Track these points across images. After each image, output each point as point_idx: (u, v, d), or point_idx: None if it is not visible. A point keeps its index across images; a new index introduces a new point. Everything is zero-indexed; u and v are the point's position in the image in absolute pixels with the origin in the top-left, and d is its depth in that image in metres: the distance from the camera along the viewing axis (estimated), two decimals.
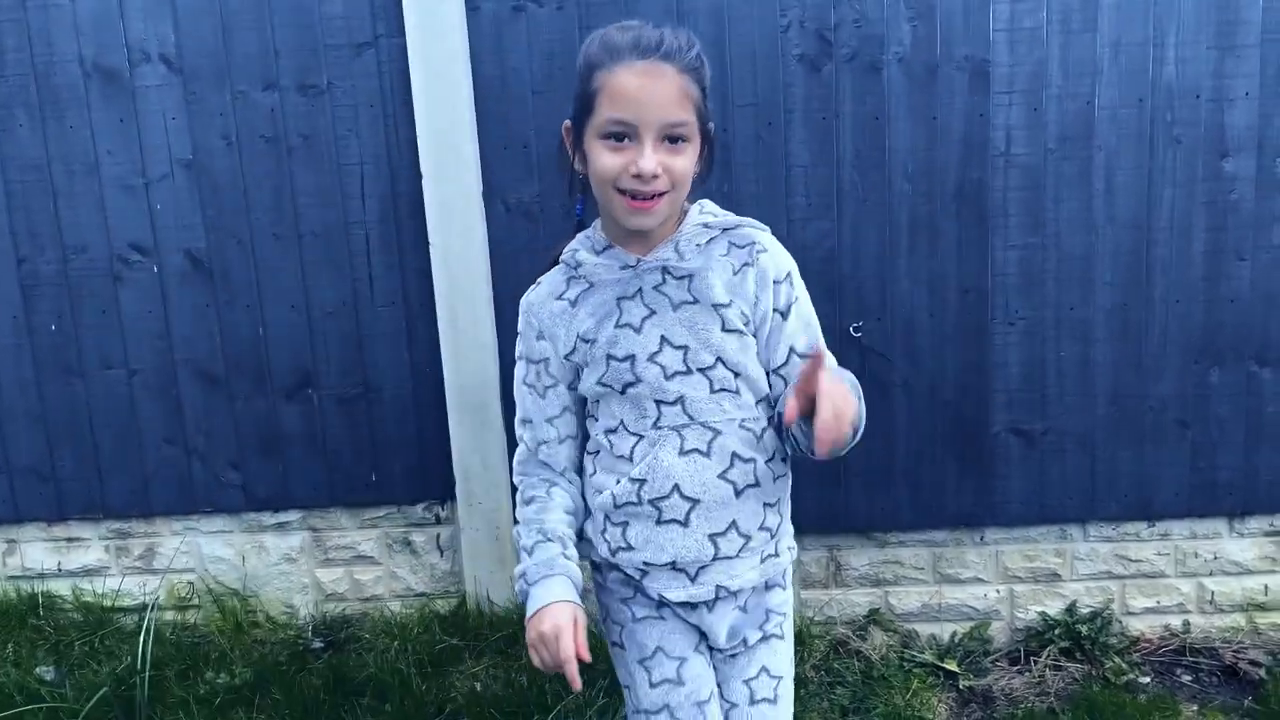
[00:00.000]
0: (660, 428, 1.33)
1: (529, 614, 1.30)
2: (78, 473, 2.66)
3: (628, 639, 1.43)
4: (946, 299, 2.42)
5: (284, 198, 2.50)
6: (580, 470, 1.44)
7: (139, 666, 2.37)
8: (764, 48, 2.33)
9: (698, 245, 1.33)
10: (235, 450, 2.63)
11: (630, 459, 1.34)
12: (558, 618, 1.26)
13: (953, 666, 2.47)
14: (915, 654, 2.53)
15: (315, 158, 2.48)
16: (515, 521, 1.42)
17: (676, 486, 1.32)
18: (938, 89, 2.33)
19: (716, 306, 1.31)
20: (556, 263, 1.42)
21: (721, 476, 1.33)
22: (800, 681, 2.35)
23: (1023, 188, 2.36)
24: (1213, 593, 2.56)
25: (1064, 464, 2.47)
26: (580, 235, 1.41)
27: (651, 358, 1.32)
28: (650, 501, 1.33)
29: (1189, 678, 2.45)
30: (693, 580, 1.36)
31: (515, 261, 2.44)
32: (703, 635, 1.41)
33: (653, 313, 1.33)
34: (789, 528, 1.45)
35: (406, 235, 2.50)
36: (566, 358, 1.38)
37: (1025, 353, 2.43)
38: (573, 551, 1.36)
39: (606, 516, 1.38)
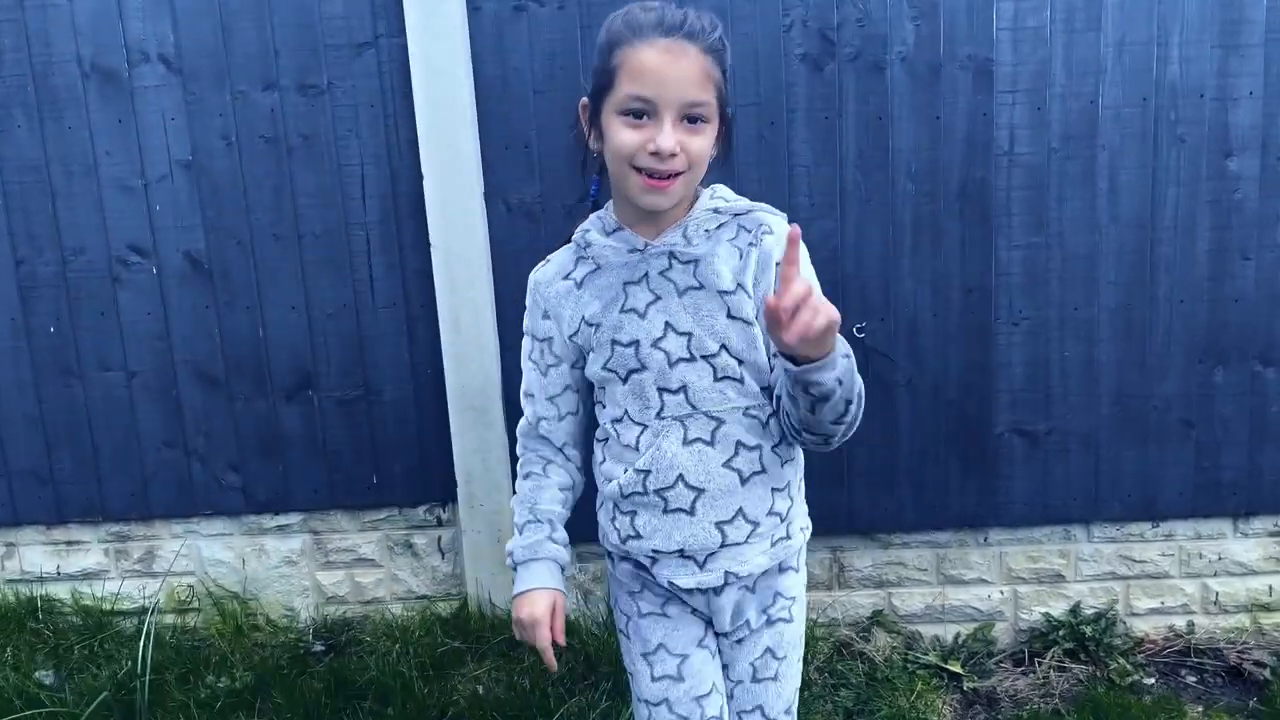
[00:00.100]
0: (664, 418, 1.33)
1: (514, 593, 1.40)
2: (77, 475, 2.65)
3: (633, 631, 1.46)
4: (950, 299, 2.41)
5: (284, 198, 2.48)
6: (580, 445, 1.47)
7: (139, 670, 2.36)
8: (766, 47, 2.32)
9: (706, 231, 1.33)
10: (235, 452, 2.61)
11: (636, 448, 1.35)
12: (534, 607, 1.36)
13: (957, 668, 2.46)
14: (919, 655, 2.52)
15: (315, 158, 2.46)
16: (513, 492, 1.49)
17: (681, 476, 1.32)
18: (941, 88, 2.33)
19: (722, 293, 1.31)
20: (569, 240, 1.42)
21: (726, 465, 1.32)
22: (804, 684, 2.33)
23: (1026, 187, 2.36)
24: (1217, 593, 2.55)
25: (1068, 464, 2.47)
26: (593, 215, 1.41)
27: (656, 343, 1.32)
28: (656, 491, 1.34)
29: (1193, 679, 2.44)
30: (701, 567, 1.36)
31: (517, 262, 2.42)
32: (709, 623, 1.43)
33: (658, 298, 1.32)
34: (802, 508, 1.44)
35: (407, 236, 2.49)
36: (570, 338, 1.38)
37: (1029, 352, 2.42)
38: (560, 534, 1.42)
39: (615, 505, 1.40)
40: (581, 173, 1.41)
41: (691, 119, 1.24)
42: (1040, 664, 2.48)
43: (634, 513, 1.37)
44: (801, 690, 1.52)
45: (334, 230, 2.49)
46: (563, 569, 1.41)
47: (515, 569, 1.41)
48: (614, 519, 1.41)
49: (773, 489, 1.36)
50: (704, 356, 1.31)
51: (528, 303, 1.44)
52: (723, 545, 1.34)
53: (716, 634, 1.45)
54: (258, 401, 2.58)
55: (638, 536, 1.38)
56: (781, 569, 1.42)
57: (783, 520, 1.38)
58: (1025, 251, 2.38)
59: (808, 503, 1.47)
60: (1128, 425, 2.44)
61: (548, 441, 1.46)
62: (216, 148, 2.47)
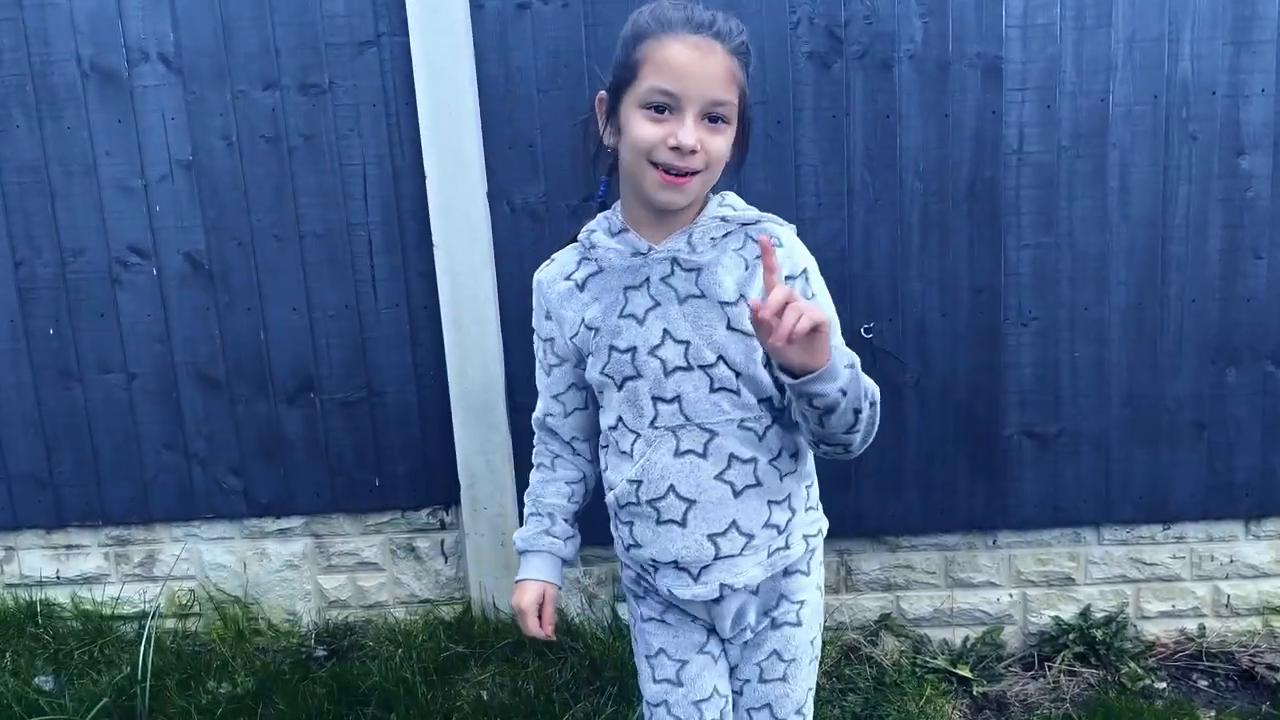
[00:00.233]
0: (657, 427, 1.31)
1: (515, 580, 1.48)
2: (76, 479, 2.63)
3: (638, 634, 1.48)
4: (959, 299, 2.39)
5: (285, 199, 2.46)
6: (592, 437, 1.48)
7: (139, 676, 2.34)
8: (773, 44, 2.30)
9: (712, 239, 1.30)
10: (236, 455, 2.59)
11: (631, 455, 1.34)
12: (522, 599, 1.43)
13: (966, 672, 2.44)
14: (927, 660, 2.49)
15: (317, 158, 2.44)
16: (518, 494, 1.54)
17: (672, 487, 1.31)
18: (950, 86, 2.30)
19: (723, 304, 1.28)
20: (575, 239, 1.41)
21: (718, 478, 1.31)
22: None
23: (1036, 186, 2.33)
24: (1229, 596, 2.52)
25: (1078, 466, 2.44)
26: (600, 215, 1.39)
27: (653, 351, 1.30)
28: (648, 502, 1.33)
29: (1205, 683, 2.42)
30: (696, 579, 1.34)
31: (520, 262, 2.40)
32: (711, 629, 1.43)
33: (657, 304, 1.31)
34: (808, 516, 1.41)
35: (410, 236, 2.47)
36: (571, 339, 1.38)
37: (1038, 353, 2.40)
38: (559, 527, 1.47)
39: (615, 514, 1.41)
40: (593, 166, 1.39)
41: (713, 118, 1.22)
42: (1050, 668, 2.46)
43: (631, 523, 1.37)
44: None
45: (336, 231, 2.47)
46: (565, 561, 1.47)
47: (518, 555, 1.49)
48: (615, 527, 1.42)
49: (770, 501, 1.33)
50: (701, 366, 1.29)
51: (533, 301, 1.44)
52: (716, 558, 1.33)
53: (721, 638, 1.44)
54: (259, 404, 2.56)
55: (637, 545, 1.38)
56: (787, 572, 1.40)
57: (780, 532, 1.36)
58: (1035, 251, 2.36)
59: None
60: (1139, 426, 2.42)
61: (556, 435, 1.48)
62: (217, 148, 2.45)
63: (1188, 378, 2.39)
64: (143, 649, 2.38)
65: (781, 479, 1.34)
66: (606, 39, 2.27)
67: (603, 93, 1.30)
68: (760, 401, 1.31)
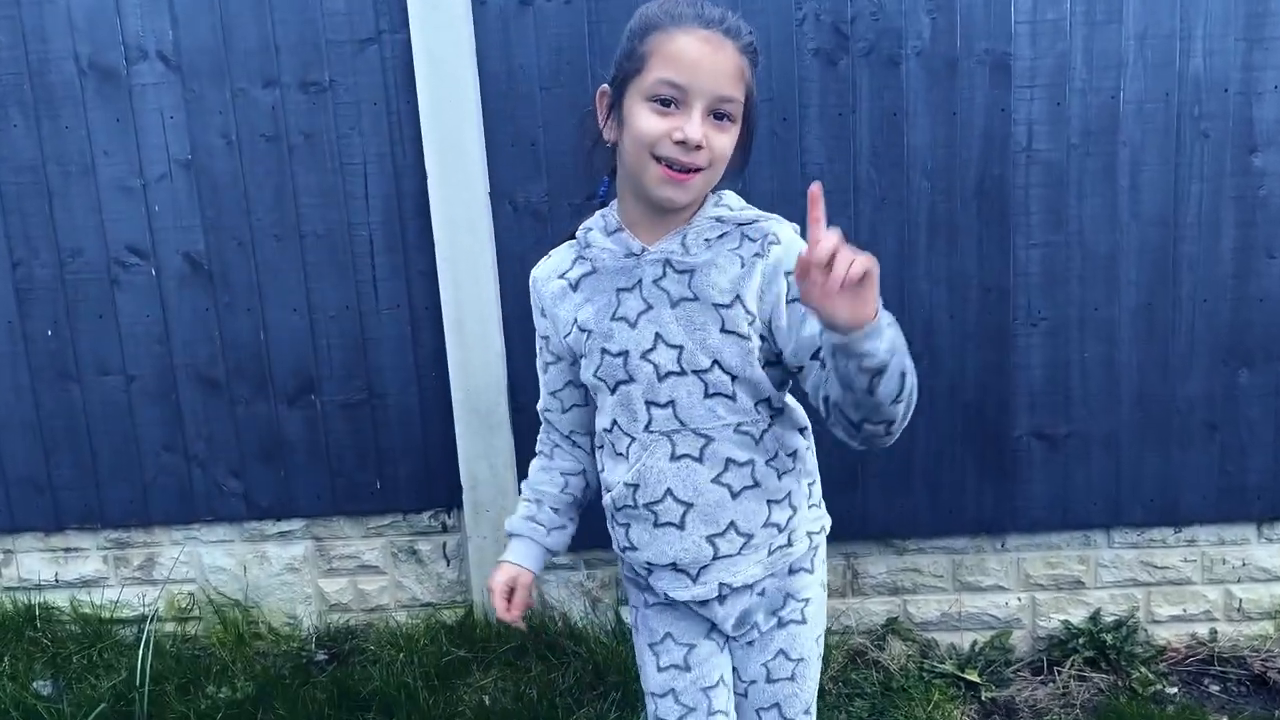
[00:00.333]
0: (651, 432, 1.29)
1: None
2: (75, 481, 2.60)
3: (641, 622, 1.45)
4: (967, 299, 2.36)
5: (285, 198, 2.44)
6: (592, 430, 1.45)
7: (138, 680, 2.32)
8: (779, 41, 2.27)
9: (706, 240, 1.27)
10: (236, 457, 2.57)
11: (626, 458, 1.32)
12: (494, 581, 1.44)
13: (974, 677, 2.41)
14: (935, 664, 2.47)
15: (317, 157, 2.42)
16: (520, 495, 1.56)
17: (669, 491, 1.30)
18: (957, 83, 2.27)
19: (717, 306, 1.25)
20: (573, 236, 1.39)
21: (715, 481, 1.29)
22: (818, 693, 2.29)
23: (1045, 184, 2.30)
24: (1240, 600, 2.49)
25: (1088, 468, 2.41)
26: (598, 213, 1.37)
27: (645, 355, 1.28)
28: (645, 505, 1.32)
29: (1217, 688, 2.39)
30: (694, 580, 1.33)
31: (523, 262, 2.35)
32: (714, 625, 1.41)
33: (650, 307, 1.28)
34: (810, 513, 1.39)
35: (411, 236, 2.44)
36: (564, 339, 1.36)
37: (1048, 354, 2.37)
38: (545, 515, 1.47)
39: (612, 516, 1.39)
40: (589, 160, 1.35)
41: (719, 115, 1.20)
42: (1060, 673, 2.43)
43: (628, 525, 1.35)
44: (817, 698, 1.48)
45: (336, 230, 2.45)
46: (549, 550, 1.47)
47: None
48: (613, 528, 1.41)
49: (769, 501, 1.31)
50: (695, 371, 1.27)
51: (530, 298, 1.43)
52: (715, 558, 1.31)
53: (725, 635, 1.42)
54: (259, 405, 2.54)
55: (633, 548, 1.36)
56: (792, 570, 1.38)
57: (781, 530, 1.34)
58: (1044, 250, 2.33)
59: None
60: (1150, 428, 2.39)
61: (554, 428, 1.49)
62: (216, 147, 2.42)
63: (1199, 378, 2.36)
64: (142, 653, 2.35)
65: (780, 478, 1.32)
66: (610, 36, 2.25)
67: (604, 86, 1.28)
68: (757, 404, 1.29)
